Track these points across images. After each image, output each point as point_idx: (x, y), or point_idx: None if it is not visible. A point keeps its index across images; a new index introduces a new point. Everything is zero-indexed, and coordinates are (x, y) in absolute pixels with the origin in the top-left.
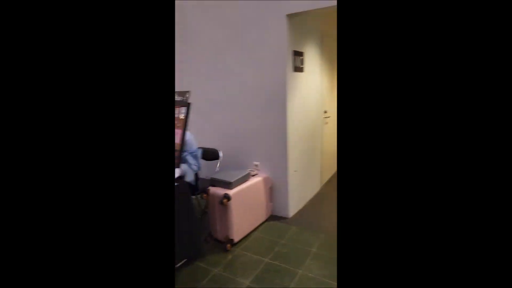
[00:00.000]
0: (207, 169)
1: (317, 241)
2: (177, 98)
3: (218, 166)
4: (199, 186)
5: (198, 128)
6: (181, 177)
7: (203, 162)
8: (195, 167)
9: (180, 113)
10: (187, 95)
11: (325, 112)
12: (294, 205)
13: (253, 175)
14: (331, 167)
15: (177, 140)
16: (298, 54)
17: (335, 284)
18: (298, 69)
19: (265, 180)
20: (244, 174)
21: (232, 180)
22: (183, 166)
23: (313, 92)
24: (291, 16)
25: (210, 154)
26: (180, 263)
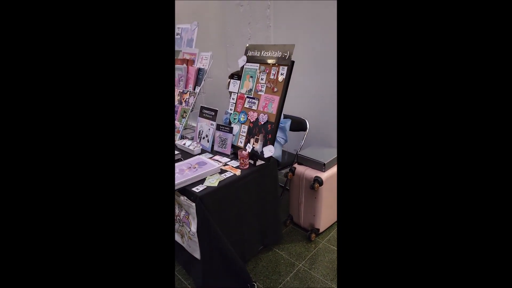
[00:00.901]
0: (289, 141)
1: None
2: (277, 53)
3: (304, 139)
4: (281, 162)
5: None
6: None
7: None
8: (282, 140)
9: (279, 73)
10: (289, 51)
11: None
12: None
13: None
14: None
15: (273, 110)
16: None
17: None
18: None
19: None
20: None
21: (325, 162)
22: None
23: None
24: None
25: (295, 124)
26: (260, 248)
